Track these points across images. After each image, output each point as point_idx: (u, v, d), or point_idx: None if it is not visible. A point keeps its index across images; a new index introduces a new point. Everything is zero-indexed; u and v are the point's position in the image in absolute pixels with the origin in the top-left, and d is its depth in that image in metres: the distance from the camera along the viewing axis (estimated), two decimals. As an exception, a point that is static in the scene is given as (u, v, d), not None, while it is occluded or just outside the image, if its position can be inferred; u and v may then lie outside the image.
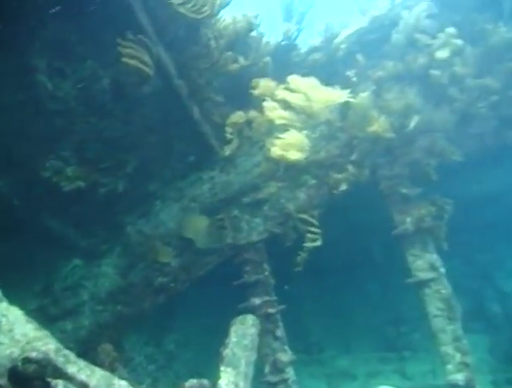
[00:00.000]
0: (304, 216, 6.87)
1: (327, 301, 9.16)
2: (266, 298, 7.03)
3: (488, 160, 7.06)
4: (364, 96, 6.69)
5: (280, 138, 6.67)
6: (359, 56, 6.82)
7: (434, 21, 6.72)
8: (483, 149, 6.84)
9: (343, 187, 6.68)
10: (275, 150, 6.74)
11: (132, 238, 7.52)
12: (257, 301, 7.05)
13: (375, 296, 8.91)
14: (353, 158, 6.74)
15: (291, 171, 6.93)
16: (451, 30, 6.70)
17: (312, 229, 6.78)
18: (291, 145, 6.75)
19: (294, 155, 6.75)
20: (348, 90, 6.65)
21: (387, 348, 8.65)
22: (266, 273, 7.11)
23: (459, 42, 6.61)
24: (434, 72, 6.64)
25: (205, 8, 6.07)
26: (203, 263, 7.35)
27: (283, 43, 7.04)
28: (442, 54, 6.57)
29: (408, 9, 6.86)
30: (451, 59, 6.52)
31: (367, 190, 6.90)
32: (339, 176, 6.72)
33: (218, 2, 6.22)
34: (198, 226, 7.31)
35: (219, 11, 6.47)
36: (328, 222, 6.62)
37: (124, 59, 5.60)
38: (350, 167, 6.75)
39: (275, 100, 6.68)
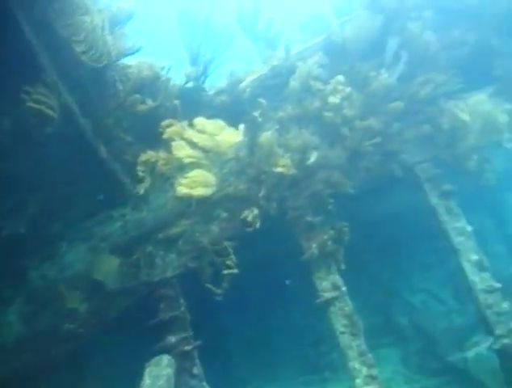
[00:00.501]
0: (219, 247, 4.98)
1: (251, 332, 7.14)
2: (183, 335, 5.11)
3: (386, 185, 6.04)
4: (269, 134, 5.42)
5: (186, 177, 5.30)
6: (262, 99, 5.45)
7: (326, 70, 5.44)
8: (371, 179, 5.84)
9: (256, 222, 5.33)
10: (181, 189, 5.32)
11: (36, 283, 5.17)
12: (173, 339, 5.05)
13: (297, 320, 7.05)
14: (262, 192, 4.97)
15: (203, 206, 5.08)
16: (339, 77, 5.80)
17: (228, 259, 4.92)
18: (196, 182, 5.37)
19: (199, 191, 5.38)
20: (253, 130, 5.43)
21: (310, 371, 6.84)
22: (182, 309, 5.17)
23: (347, 88, 5.75)
24: (327, 114, 5.30)
25: (103, 57, 4.84)
26: (115, 304, 5.11)
27: (189, 85, 5.22)
28: (333, 99, 5.46)
29: (302, 59, 5.58)
30: (341, 103, 5.30)
31: (276, 221, 5.54)
32: (251, 210, 4.96)
33: (115, 53, 5.09)
34: (108, 266, 5.12)
35: (118, 59, 5.26)
36: (245, 253, 4.84)
37: (28, 103, 4.27)
38: (261, 200, 4.98)
39: (184, 140, 5.38)
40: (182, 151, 5.38)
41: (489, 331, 5.36)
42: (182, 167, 5.41)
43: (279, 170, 5.63)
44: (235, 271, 5.26)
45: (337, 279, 5.49)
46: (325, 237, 5.58)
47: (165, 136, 5.41)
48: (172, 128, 5.45)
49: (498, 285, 5.42)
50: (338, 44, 5.77)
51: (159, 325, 5.34)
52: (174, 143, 5.37)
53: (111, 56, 5.09)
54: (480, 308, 5.46)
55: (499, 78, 5.95)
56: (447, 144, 5.68)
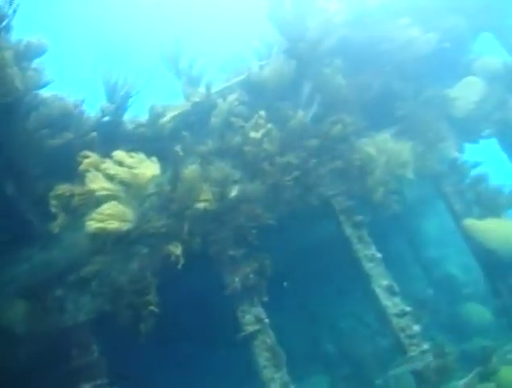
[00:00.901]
0: (139, 286, 3.54)
1: (177, 375, 5.51)
2: (98, 382, 3.46)
3: (308, 216, 5.01)
4: (192, 169, 4.23)
5: (100, 211, 3.91)
6: (185, 134, 4.06)
7: (246, 107, 4.25)
8: (292, 211, 4.79)
9: (180, 258, 3.68)
10: (92, 223, 3.92)
11: None
12: (86, 386, 3.40)
13: (224, 360, 5.54)
14: (185, 227, 3.62)
15: (120, 242, 3.61)
16: (261, 114, 4.75)
17: (149, 299, 3.49)
18: (111, 216, 3.99)
19: (114, 226, 3.97)
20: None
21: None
22: (96, 355, 3.51)
23: (267, 125, 4.75)
24: (249, 148, 4.12)
25: (11, 93, 3.69)
26: (20, 353, 3.44)
27: (105, 119, 3.82)
28: (254, 134, 4.32)
29: (223, 97, 4.35)
30: (262, 138, 4.15)
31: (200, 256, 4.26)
32: (174, 245, 3.59)
33: (24, 87, 3.86)
34: (15, 311, 3.45)
35: (27, 94, 4.00)
36: (167, 291, 3.47)
37: None
38: (184, 235, 3.64)
39: (100, 172, 4.03)
40: (97, 184, 3.92)
41: (403, 353, 4.29)
42: (98, 202, 3.89)
43: (202, 204, 4.27)
44: (156, 311, 3.80)
45: (260, 311, 4.29)
46: (248, 270, 4.28)
47: (81, 167, 3.89)
48: (88, 160, 3.96)
49: (408, 309, 4.42)
50: (257, 84, 4.67)
51: (71, 372, 3.73)
52: (89, 175, 3.87)
53: (18, 91, 3.81)
54: (394, 331, 4.40)
55: (401, 118, 5.11)
56: (358, 178, 4.65)
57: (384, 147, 5.08)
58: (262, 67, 4.94)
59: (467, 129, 5.35)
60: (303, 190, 4.83)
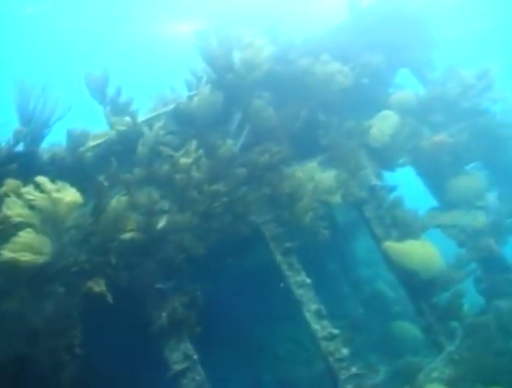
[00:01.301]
0: (57, 328, 3.31)
1: None
2: None
3: (240, 244, 5.00)
4: (117, 199, 4.00)
5: (14, 240, 3.53)
6: (110, 163, 3.88)
7: (176, 137, 4.26)
8: (224, 240, 4.80)
9: (105, 294, 3.35)
10: (6, 253, 3.51)
11: None
12: None
13: None
14: (109, 260, 3.49)
15: (36, 278, 3.35)
16: (191, 144, 4.77)
17: (71, 342, 3.27)
18: (26, 247, 3.61)
19: (29, 258, 3.59)
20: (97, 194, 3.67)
21: None
22: None
23: (195, 153, 4.73)
24: (177, 177, 4.12)
25: None
26: None
27: (19, 148, 3.59)
28: (183, 163, 4.23)
29: (150, 126, 4.58)
30: (191, 167, 4.08)
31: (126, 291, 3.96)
32: (96, 281, 3.43)
33: None
34: None
35: None
36: (91, 332, 3.26)
37: None
38: (108, 270, 3.49)
39: (20, 198, 3.68)
40: (14, 210, 3.57)
41: (334, 377, 4.38)
42: (16, 231, 3.58)
43: (128, 235, 4.11)
44: (80, 354, 3.52)
45: (189, 348, 4.13)
46: (176, 303, 4.15)
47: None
48: (7, 184, 3.63)
49: (337, 332, 4.54)
50: (187, 114, 4.67)
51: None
52: (7, 200, 3.65)
53: None
54: (324, 355, 4.49)
55: (325, 148, 5.39)
56: (287, 205, 4.78)
57: (311, 175, 5.29)
58: (191, 97, 4.97)
59: (385, 158, 5.75)
60: (233, 218, 4.85)
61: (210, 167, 4.74)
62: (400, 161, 6.12)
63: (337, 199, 5.26)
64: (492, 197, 5.85)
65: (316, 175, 5.24)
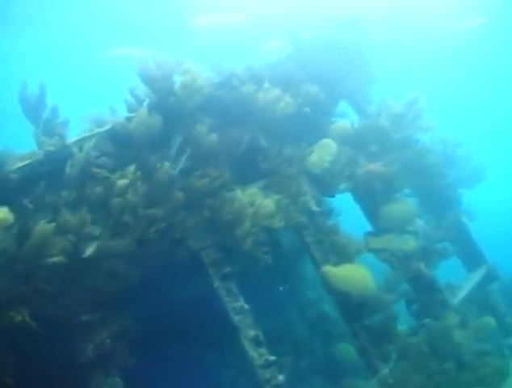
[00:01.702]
0: None
1: None
2: None
3: (179, 271, 4.94)
4: (42, 224, 3.94)
5: None
6: (36, 185, 4.06)
7: (111, 159, 4.09)
8: (160, 266, 4.64)
9: (30, 323, 3.12)
10: None
11: None
12: None
13: None
14: (34, 288, 3.30)
15: None
16: (129, 166, 4.57)
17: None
18: None
19: None
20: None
21: None
22: None
23: (132, 176, 4.51)
24: (111, 200, 4.21)
25: None
26: None
27: None
28: (119, 186, 4.40)
29: (82, 147, 4.48)
30: (126, 190, 4.00)
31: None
32: (18, 311, 3.20)
33: None
34: None
35: None
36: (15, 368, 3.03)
37: None
38: (33, 298, 3.29)
39: None
40: None
41: None
42: None
43: (54, 261, 3.85)
44: (11, 384, 3.18)
45: (118, 382, 3.88)
46: (104, 335, 3.90)
47: None
48: None
49: (273, 358, 4.48)
50: (124, 136, 4.52)
51: None
52: None
53: None
54: (260, 383, 4.40)
55: (267, 173, 5.46)
56: (227, 230, 4.73)
57: (252, 200, 5.31)
58: (129, 118, 4.86)
59: (324, 184, 5.93)
60: (170, 244, 4.71)
61: (147, 191, 4.60)
62: (339, 187, 6.34)
63: (277, 224, 5.30)
64: (421, 222, 6.19)
65: (257, 200, 5.26)
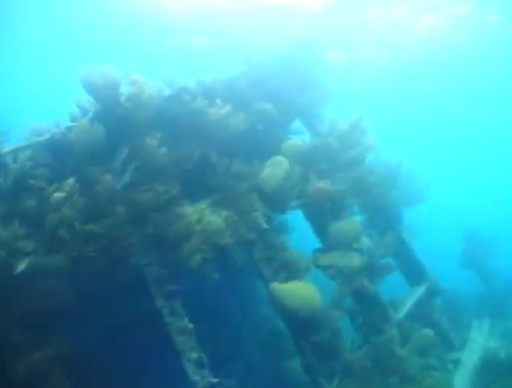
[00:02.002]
0: None
1: None
2: None
3: (120, 289, 4.61)
4: None
5: None
6: None
7: (49, 169, 3.86)
8: (99, 284, 4.37)
9: None
10: None
11: None
12: None
13: None
14: None
15: None
16: (69, 180, 4.37)
17: None
18: None
19: None
20: None
21: None
22: None
23: (70, 188, 4.34)
24: (47, 214, 3.70)
25: None
26: None
27: None
28: (54, 199, 3.92)
29: (15, 157, 4.14)
30: (63, 204, 3.71)
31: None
32: None
33: None
34: None
35: None
36: None
37: None
38: None
39: None
40: None
41: None
42: None
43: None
44: None
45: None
46: (37, 357, 3.57)
47: None
48: None
49: (215, 380, 4.32)
50: (64, 146, 4.24)
51: None
52: None
53: None
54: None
55: (217, 189, 5.36)
56: (173, 246, 4.55)
57: (200, 216, 5.17)
58: (70, 128, 4.59)
59: (275, 201, 5.92)
60: (110, 261, 4.45)
61: (86, 205, 4.34)
62: (290, 204, 6.36)
63: (226, 241, 5.19)
64: (366, 240, 6.33)
65: (205, 217, 5.13)
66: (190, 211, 5.08)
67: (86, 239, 4.22)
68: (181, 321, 4.60)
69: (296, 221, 7.27)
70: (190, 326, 4.61)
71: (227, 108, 5.75)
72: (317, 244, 6.61)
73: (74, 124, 4.61)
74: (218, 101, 5.72)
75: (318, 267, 5.85)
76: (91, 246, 4.26)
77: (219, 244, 5.23)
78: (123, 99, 4.71)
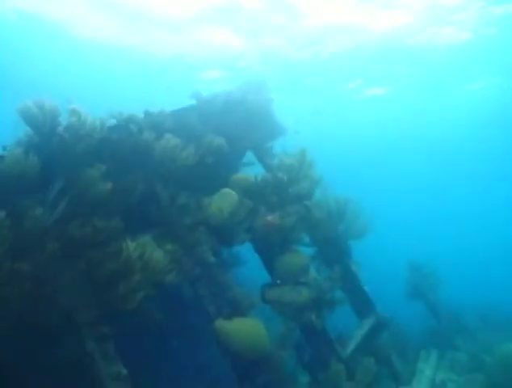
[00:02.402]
0: None
1: None
2: None
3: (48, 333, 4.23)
4: None
5: None
6: None
7: None
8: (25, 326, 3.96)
9: None
10: None
11: None
12: None
13: None
14: None
15: None
16: None
17: None
18: None
19: None
20: None
21: None
22: None
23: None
24: None
25: None
26: None
27: None
28: None
29: None
30: None
31: None
32: None
33: None
34: None
35: None
36: None
37: None
38: None
39: None
40: None
41: None
42: None
43: None
44: None
45: None
46: None
47: None
48: None
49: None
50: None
51: None
52: None
53: None
54: None
55: (161, 222, 5.13)
56: (109, 285, 4.21)
57: (142, 251, 4.88)
58: (1, 158, 4.25)
59: (223, 235, 5.76)
60: (37, 302, 4.04)
61: (14, 240, 3.96)
62: (239, 238, 6.22)
63: (169, 278, 4.91)
64: (314, 273, 6.28)
65: (147, 252, 4.85)
66: (131, 246, 4.79)
67: (11, 278, 3.81)
68: (113, 365, 4.21)
69: (251, 252, 7.11)
70: (125, 372, 4.23)
71: (175, 141, 5.64)
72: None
73: (6, 153, 4.28)
74: (166, 134, 5.60)
75: (266, 302, 5.68)
76: (16, 285, 3.85)
77: (161, 282, 4.95)
78: (60, 129, 4.46)
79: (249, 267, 7.90)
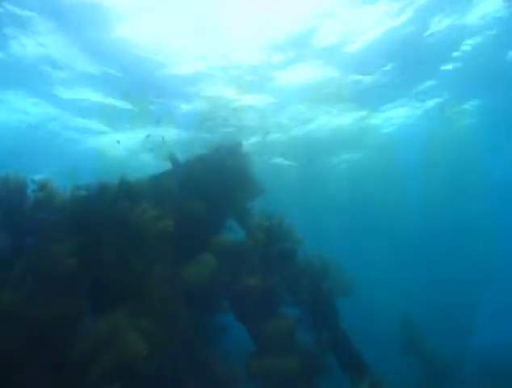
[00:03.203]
0: None
1: None
2: None
3: None
4: None
5: None
6: None
7: None
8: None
9: None
10: None
11: None
12: None
13: None
14: None
15: None
16: None
17: None
18: None
19: None
20: None
21: None
22: None
23: None
24: None
25: None
26: None
27: None
28: None
29: None
30: None
31: None
32: None
33: None
34: None
35: None
36: None
37: None
38: None
39: None
40: None
41: None
42: None
43: None
44: None
45: None
46: None
47: None
48: None
49: None
50: None
51: None
52: None
53: None
54: None
55: (135, 295, 4.66)
56: (75, 373, 3.66)
57: (113, 330, 4.36)
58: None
59: (202, 304, 5.31)
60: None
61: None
62: (223, 304, 5.77)
63: (144, 361, 4.34)
64: (301, 338, 5.79)
65: (119, 331, 4.33)
66: (102, 325, 4.28)
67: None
68: None
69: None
70: None
71: (151, 211, 5.36)
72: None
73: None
74: (142, 203, 5.33)
75: (252, 376, 5.10)
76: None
77: (135, 365, 4.37)
78: (28, 204, 4.15)
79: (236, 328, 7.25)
